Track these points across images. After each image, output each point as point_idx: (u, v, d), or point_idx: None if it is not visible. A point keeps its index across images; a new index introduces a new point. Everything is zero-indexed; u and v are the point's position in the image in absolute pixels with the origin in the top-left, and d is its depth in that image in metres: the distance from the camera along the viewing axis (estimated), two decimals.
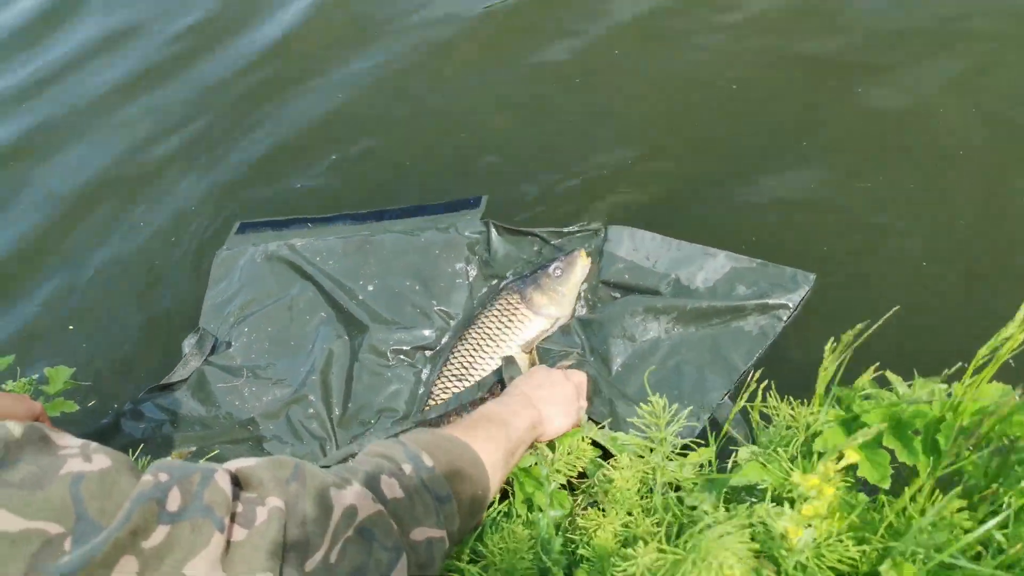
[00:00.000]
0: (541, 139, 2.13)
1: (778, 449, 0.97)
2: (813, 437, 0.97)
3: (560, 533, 1.04)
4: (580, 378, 1.38)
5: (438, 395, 1.69)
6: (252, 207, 2.20)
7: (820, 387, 0.96)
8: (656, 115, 2.08)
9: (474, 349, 1.70)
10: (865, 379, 0.96)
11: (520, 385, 1.28)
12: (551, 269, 1.73)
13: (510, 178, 2.06)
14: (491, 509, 1.12)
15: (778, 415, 1.03)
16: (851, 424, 0.94)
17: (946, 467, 0.85)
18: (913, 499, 0.89)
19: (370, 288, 1.87)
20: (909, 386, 0.95)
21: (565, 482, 1.14)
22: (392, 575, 0.80)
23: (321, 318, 1.86)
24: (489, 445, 1.03)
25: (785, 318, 1.55)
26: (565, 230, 1.84)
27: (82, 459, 0.64)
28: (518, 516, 1.08)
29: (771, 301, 1.57)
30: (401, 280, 1.86)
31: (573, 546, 1.02)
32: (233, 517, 0.67)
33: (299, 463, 0.78)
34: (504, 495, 1.14)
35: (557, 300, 1.71)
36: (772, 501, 0.95)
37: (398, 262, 1.89)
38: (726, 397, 1.47)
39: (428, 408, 1.68)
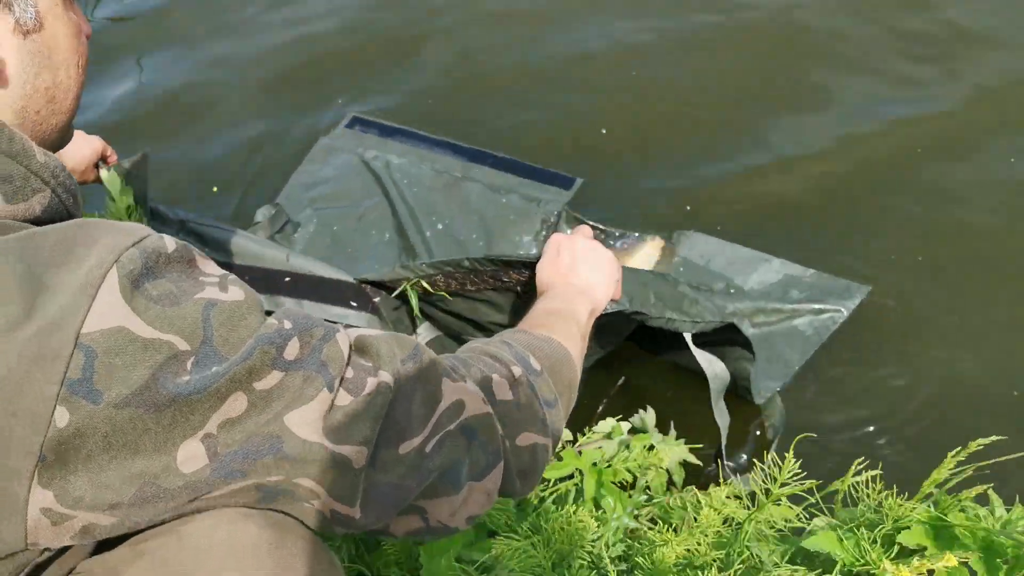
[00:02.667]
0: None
1: (860, 529, 0.98)
2: (898, 530, 0.98)
3: (624, 538, 1.03)
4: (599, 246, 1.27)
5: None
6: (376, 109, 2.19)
7: (927, 487, 0.97)
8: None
9: None
10: (972, 493, 0.97)
11: (553, 274, 1.18)
12: (618, 244, 1.77)
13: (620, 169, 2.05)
14: (555, 486, 1.11)
15: (866, 496, 1.03)
16: (942, 532, 0.95)
17: None
18: None
19: (439, 227, 1.86)
20: (1008, 510, 0.96)
21: (624, 481, 1.14)
22: (486, 479, 0.78)
23: (384, 239, 1.84)
24: (569, 342, 0.98)
25: (839, 322, 1.60)
26: (635, 234, 1.84)
27: (219, 288, 0.63)
28: (583, 504, 1.07)
29: (826, 306, 1.62)
30: (469, 231, 1.86)
31: (631, 552, 1.02)
32: (342, 381, 0.65)
33: (420, 345, 0.75)
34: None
35: None
36: None
37: (474, 214, 1.88)
38: (777, 395, 1.50)
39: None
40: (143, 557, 0.60)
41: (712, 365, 1.39)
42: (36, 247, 0.57)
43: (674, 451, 1.17)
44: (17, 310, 0.54)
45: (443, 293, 1.43)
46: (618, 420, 1.23)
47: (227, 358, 0.59)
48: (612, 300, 1.21)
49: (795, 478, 0.93)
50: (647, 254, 1.75)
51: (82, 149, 1.55)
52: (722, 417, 1.32)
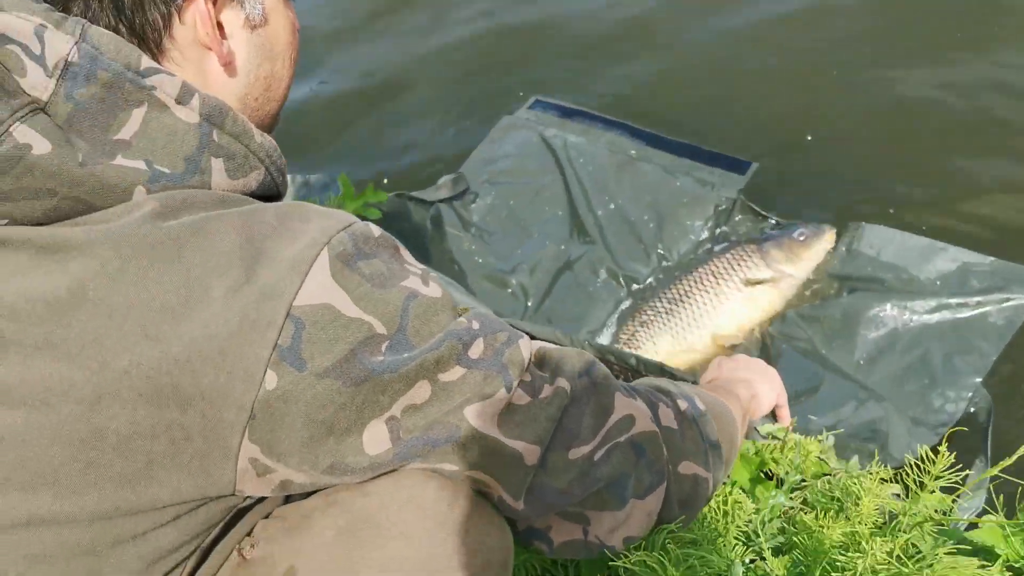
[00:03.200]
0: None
1: None
2: None
3: (777, 519, 1.08)
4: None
5: (648, 311, 1.77)
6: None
7: None
8: None
9: (694, 281, 1.77)
10: None
11: (715, 374, 1.26)
12: (795, 233, 1.76)
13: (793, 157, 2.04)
14: None
15: None
16: None
17: None
18: None
19: (611, 206, 1.94)
20: None
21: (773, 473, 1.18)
22: (648, 497, 0.80)
23: (556, 215, 1.95)
24: (732, 410, 1.02)
25: None
26: (808, 225, 1.82)
27: (421, 281, 0.67)
28: (741, 489, 1.12)
29: (1011, 295, 1.55)
30: (640, 212, 1.93)
31: (787, 532, 1.07)
32: (520, 383, 0.69)
33: (597, 362, 0.79)
34: None
35: (792, 259, 1.73)
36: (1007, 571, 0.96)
37: (647, 194, 1.94)
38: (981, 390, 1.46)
39: (630, 327, 1.76)
40: (334, 506, 0.67)
41: None
42: (258, 221, 0.62)
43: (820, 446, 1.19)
44: (239, 275, 0.59)
45: None
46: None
47: (417, 347, 0.64)
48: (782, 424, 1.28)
49: (950, 470, 0.94)
50: (822, 247, 1.74)
51: None
52: None
